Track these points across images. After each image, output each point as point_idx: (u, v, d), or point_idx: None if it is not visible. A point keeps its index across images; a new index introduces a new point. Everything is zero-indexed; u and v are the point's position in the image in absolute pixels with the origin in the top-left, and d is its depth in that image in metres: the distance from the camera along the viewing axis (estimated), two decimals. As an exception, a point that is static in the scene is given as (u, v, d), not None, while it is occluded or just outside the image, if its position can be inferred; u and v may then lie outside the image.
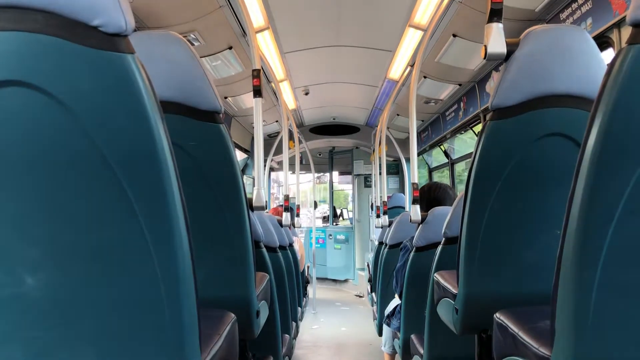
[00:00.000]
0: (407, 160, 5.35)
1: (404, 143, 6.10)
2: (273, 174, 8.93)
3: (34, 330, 0.74)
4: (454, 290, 1.42)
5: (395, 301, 2.90)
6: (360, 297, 7.22)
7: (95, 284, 0.74)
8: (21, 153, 0.70)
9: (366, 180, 8.17)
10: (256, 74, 1.76)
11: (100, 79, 0.69)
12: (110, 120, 0.70)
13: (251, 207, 1.67)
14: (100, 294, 0.74)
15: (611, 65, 0.71)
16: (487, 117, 1.26)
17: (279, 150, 5.31)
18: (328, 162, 8.83)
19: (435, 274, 1.70)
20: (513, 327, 0.99)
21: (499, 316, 1.07)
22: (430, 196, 2.61)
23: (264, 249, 2.08)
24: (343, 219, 9.15)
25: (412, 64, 3.88)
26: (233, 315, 1.13)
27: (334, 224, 8.88)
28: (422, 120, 5.70)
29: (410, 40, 3.66)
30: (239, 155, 6.14)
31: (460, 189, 4.77)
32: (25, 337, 0.74)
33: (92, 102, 0.70)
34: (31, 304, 0.73)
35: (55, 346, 0.75)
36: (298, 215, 4.36)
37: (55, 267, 0.73)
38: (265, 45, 3.75)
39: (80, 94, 0.69)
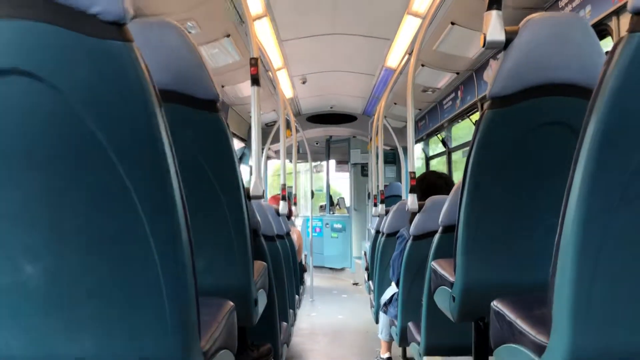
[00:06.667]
0: (405, 149, 5.36)
1: (402, 132, 6.08)
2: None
3: (34, 317, 0.74)
4: (451, 279, 1.42)
5: (392, 289, 2.91)
6: (357, 285, 7.25)
7: (94, 272, 0.74)
8: (20, 141, 0.70)
9: (363, 169, 8.16)
10: (254, 62, 1.75)
11: (98, 68, 0.69)
12: (108, 109, 0.70)
13: (249, 197, 1.67)
14: (99, 282, 0.75)
15: (611, 54, 0.71)
16: (485, 105, 1.26)
17: (276, 139, 5.31)
18: (325, 150, 8.82)
19: (432, 262, 1.71)
20: (510, 315, 1.00)
21: (496, 304, 1.08)
22: (426, 185, 2.62)
23: (262, 238, 2.08)
24: (340, 207, 9.15)
25: (410, 52, 3.87)
26: (232, 303, 1.13)
27: (331, 212, 8.88)
28: (420, 109, 5.68)
29: (409, 28, 3.64)
30: (236, 144, 6.13)
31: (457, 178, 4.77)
32: (24, 324, 0.74)
33: (90, 90, 0.69)
34: (30, 292, 0.73)
35: (55, 334, 0.75)
36: (295, 204, 4.35)
37: (55, 256, 0.73)
38: (263, 33, 3.73)
39: (78, 83, 0.69)
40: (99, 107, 0.70)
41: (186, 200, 0.78)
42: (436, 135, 5.69)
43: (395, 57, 4.34)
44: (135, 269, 0.74)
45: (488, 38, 1.20)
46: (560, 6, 2.55)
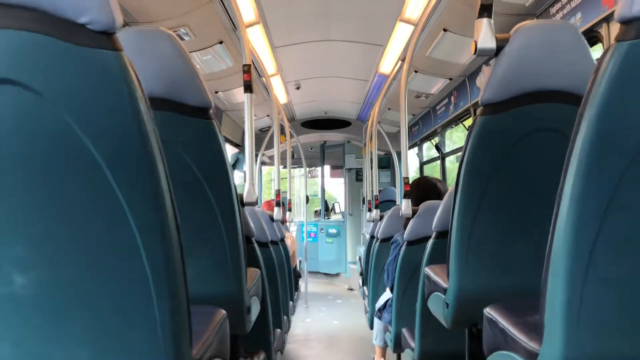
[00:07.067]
0: (399, 154, 5.36)
1: (395, 137, 6.10)
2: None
3: (24, 328, 0.74)
4: (445, 285, 1.42)
5: (386, 295, 2.91)
6: (352, 290, 7.24)
7: (84, 281, 0.74)
8: (9, 151, 0.69)
9: (358, 174, 8.17)
10: (247, 69, 1.75)
11: (88, 77, 0.69)
12: (97, 118, 0.70)
13: (242, 203, 1.67)
14: (90, 291, 0.74)
15: (600, 62, 0.71)
16: (477, 112, 1.27)
17: (270, 145, 5.30)
18: (320, 156, 8.82)
19: (426, 268, 1.71)
20: (502, 322, 1.00)
21: (488, 311, 1.08)
22: (419, 190, 2.62)
23: (255, 244, 2.08)
24: (335, 213, 9.15)
25: (403, 59, 3.88)
26: (224, 311, 1.13)
27: (326, 217, 8.88)
28: (413, 115, 5.70)
29: (401, 34, 3.66)
30: (230, 150, 6.12)
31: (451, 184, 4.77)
32: (15, 336, 0.74)
33: (79, 100, 0.69)
34: (20, 302, 0.73)
35: (46, 345, 0.74)
36: (290, 210, 4.35)
37: (44, 266, 0.73)
38: (256, 40, 3.73)
39: (68, 92, 0.69)
40: (88, 117, 0.69)
41: (178, 207, 0.77)
42: (430, 140, 5.71)
43: (388, 63, 4.36)
44: (125, 277, 0.74)
45: (479, 45, 1.21)
46: (551, 13, 2.57)
